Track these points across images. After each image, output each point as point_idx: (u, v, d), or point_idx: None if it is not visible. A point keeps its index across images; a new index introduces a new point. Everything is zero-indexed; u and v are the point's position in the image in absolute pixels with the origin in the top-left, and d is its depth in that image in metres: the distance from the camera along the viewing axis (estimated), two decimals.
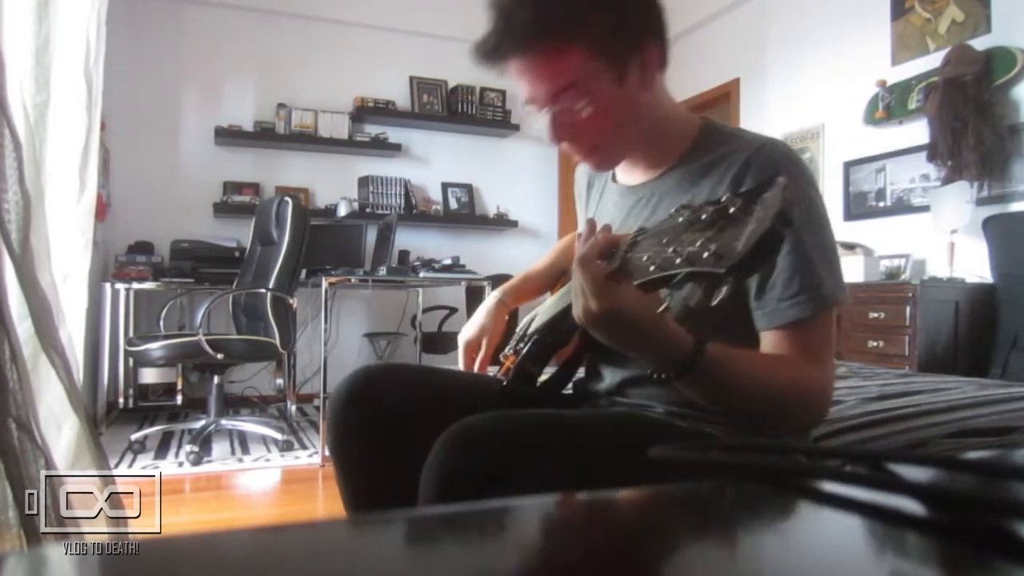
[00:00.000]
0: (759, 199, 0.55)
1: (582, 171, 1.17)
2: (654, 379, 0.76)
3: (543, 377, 1.06)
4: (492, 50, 0.87)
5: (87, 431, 1.34)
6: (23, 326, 1.20)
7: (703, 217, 0.58)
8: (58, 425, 1.29)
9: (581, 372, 1.10)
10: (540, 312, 1.14)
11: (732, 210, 0.56)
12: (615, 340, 0.76)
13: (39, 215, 1.28)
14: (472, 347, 1.17)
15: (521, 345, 1.08)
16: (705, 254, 0.56)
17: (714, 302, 0.57)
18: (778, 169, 0.84)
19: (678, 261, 0.59)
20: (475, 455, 0.78)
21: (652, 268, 0.63)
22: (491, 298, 1.22)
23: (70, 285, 1.53)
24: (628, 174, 1.03)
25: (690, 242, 0.58)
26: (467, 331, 1.19)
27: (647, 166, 0.98)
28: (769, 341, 0.85)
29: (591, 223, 0.81)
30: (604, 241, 0.74)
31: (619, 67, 0.86)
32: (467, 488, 0.75)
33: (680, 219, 0.61)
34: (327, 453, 1.09)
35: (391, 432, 0.99)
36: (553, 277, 1.27)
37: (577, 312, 0.75)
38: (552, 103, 0.88)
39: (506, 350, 1.15)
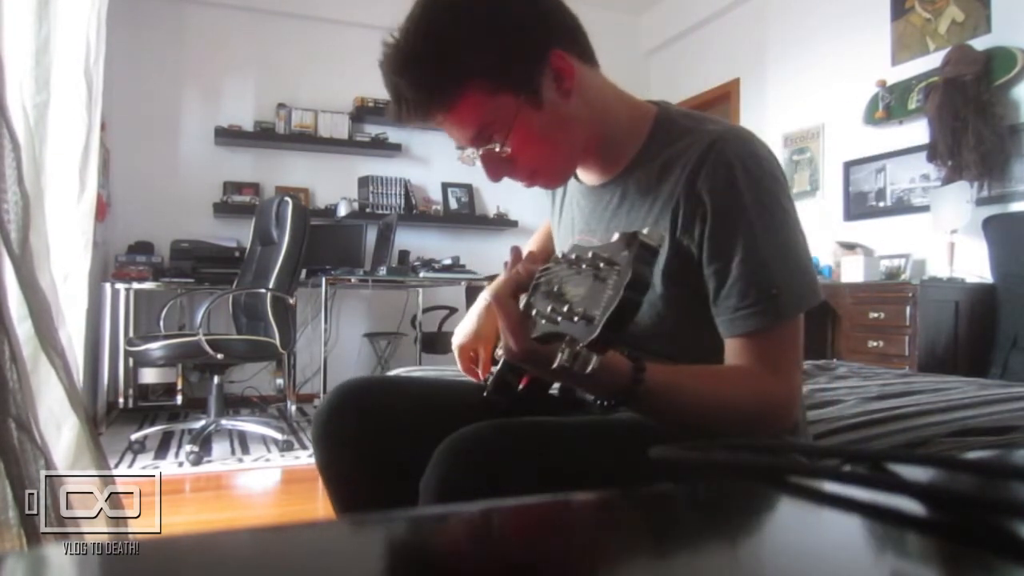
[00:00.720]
0: (619, 256, 0.56)
1: None
2: (598, 405, 0.74)
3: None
4: (399, 119, 0.85)
5: (87, 431, 1.34)
6: (23, 326, 1.20)
7: (583, 268, 0.60)
8: (58, 425, 1.29)
9: None
10: None
11: (601, 265, 0.57)
12: (544, 376, 0.75)
13: (39, 215, 1.28)
14: (468, 354, 1.13)
15: (501, 351, 1.07)
16: (575, 318, 0.57)
17: (588, 371, 0.57)
18: (730, 169, 0.79)
19: (558, 319, 0.60)
20: (475, 465, 0.77)
21: (543, 322, 0.64)
22: (480, 299, 1.18)
23: (70, 285, 1.53)
24: (587, 174, 0.99)
25: (568, 299, 0.60)
26: (460, 334, 1.15)
27: (601, 167, 0.94)
28: (729, 348, 0.82)
29: (515, 251, 0.78)
30: (525, 273, 0.72)
31: (528, 91, 0.82)
32: (468, 498, 0.74)
33: (566, 266, 0.63)
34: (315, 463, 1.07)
35: (378, 445, 0.99)
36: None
37: (503, 349, 0.73)
38: (477, 145, 0.86)
39: (496, 351, 1.13)
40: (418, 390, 1.10)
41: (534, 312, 0.66)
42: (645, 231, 0.56)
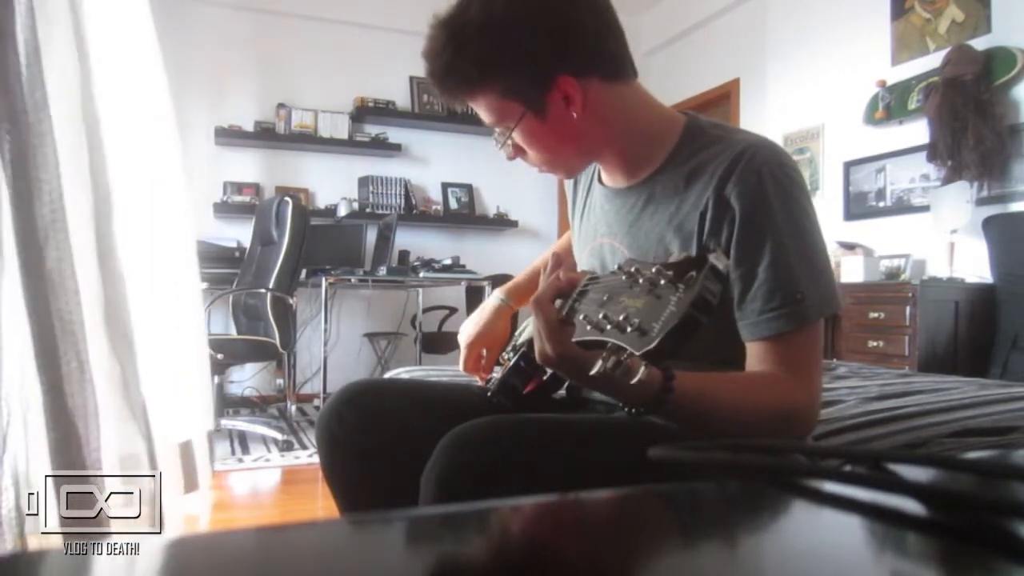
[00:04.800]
0: (685, 277, 0.56)
1: None
2: (626, 412, 0.75)
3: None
4: (440, 95, 0.93)
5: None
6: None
7: (640, 281, 0.60)
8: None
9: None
10: (530, 320, 1.13)
11: (663, 282, 0.57)
12: (575, 381, 0.77)
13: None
14: (475, 352, 1.15)
15: (511, 354, 1.07)
16: (629, 328, 0.57)
17: (633, 381, 0.58)
18: (759, 177, 0.81)
19: (608, 327, 0.60)
20: (475, 459, 0.78)
21: (588, 328, 0.64)
22: (493, 298, 1.19)
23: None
24: (611, 177, 1.00)
25: (622, 309, 0.60)
26: (468, 331, 1.17)
27: (627, 171, 0.96)
28: (751, 352, 0.84)
29: (555, 258, 0.80)
30: (565, 281, 0.73)
31: (533, 104, 0.88)
32: (467, 492, 0.75)
33: (623, 277, 0.63)
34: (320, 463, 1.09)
35: (380, 446, 1.00)
36: None
37: (536, 352, 0.74)
38: (495, 128, 0.94)
39: (503, 355, 1.14)
40: (420, 392, 1.11)
41: (581, 317, 0.66)
42: (714, 256, 0.56)
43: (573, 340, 0.67)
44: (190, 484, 1.65)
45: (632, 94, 0.93)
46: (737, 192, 0.82)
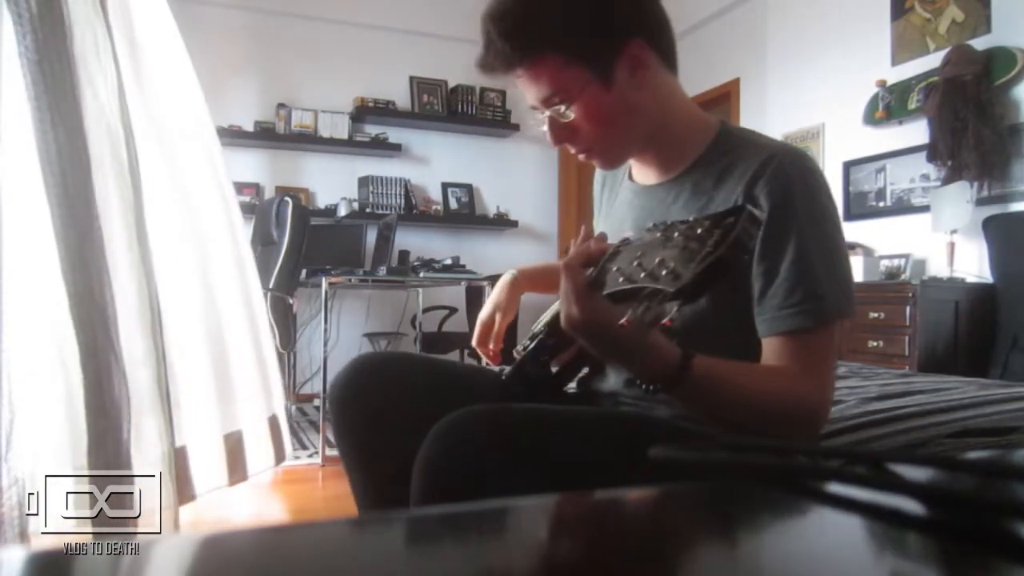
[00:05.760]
0: (722, 223, 0.57)
1: (597, 171, 1.17)
2: (642, 389, 0.77)
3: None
4: (484, 65, 0.91)
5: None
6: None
7: (675, 235, 0.61)
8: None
9: (586, 369, 1.10)
10: (548, 311, 1.14)
11: (699, 231, 0.58)
12: (597, 349, 0.77)
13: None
14: (486, 324, 1.17)
15: (528, 343, 1.08)
16: (664, 272, 0.58)
17: (665, 320, 0.58)
18: (788, 178, 0.83)
19: (642, 275, 0.61)
20: (465, 449, 0.78)
21: (620, 280, 0.65)
22: (507, 275, 1.21)
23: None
24: (643, 173, 1.02)
25: (657, 258, 0.61)
26: (483, 311, 1.20)
27: (661, 166, 0.98)
28: (768, 348, 0.85)
29: (586, 229, 0.81)
30: (595, 248, 0.75)
31: (600, 69, 0.86)
32: (455, 481, 0.76)
33: (657, 235, 0.64)
34: (331, 439, 1.10)
35: (392, 423, 1.00)
36: None
37: (562, 318, 0.76)
38: (545, 108, 0.91)
39: (518, 347, 1.15)
40: (434, 367, 1.12)
41: (614, 269, 0.67)
42: (750, 207, 0.58)
43: (604, 293, 0.68)
44: (238, 475, 1.67)
45: (676, 86, 0.96)
46: (767, 192, 0.84)
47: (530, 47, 0.86)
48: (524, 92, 0.92)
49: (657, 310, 0.58)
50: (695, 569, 0.30)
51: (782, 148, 0.88)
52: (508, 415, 0.84)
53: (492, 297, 1.19)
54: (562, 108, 0.89)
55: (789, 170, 0.84)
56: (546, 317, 1.11)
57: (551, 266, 1.27)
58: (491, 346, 1.16)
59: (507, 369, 1.09)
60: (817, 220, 0.84)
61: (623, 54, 0.87)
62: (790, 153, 0.87)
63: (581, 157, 0.98)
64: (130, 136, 1.36)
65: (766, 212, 0.83)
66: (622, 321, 0.62)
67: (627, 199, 1.05)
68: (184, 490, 1.51)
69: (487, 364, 1.19)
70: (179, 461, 1.50)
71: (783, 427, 0.81)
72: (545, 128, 0.94)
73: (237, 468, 1.67)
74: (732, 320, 0.87)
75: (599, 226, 1.13)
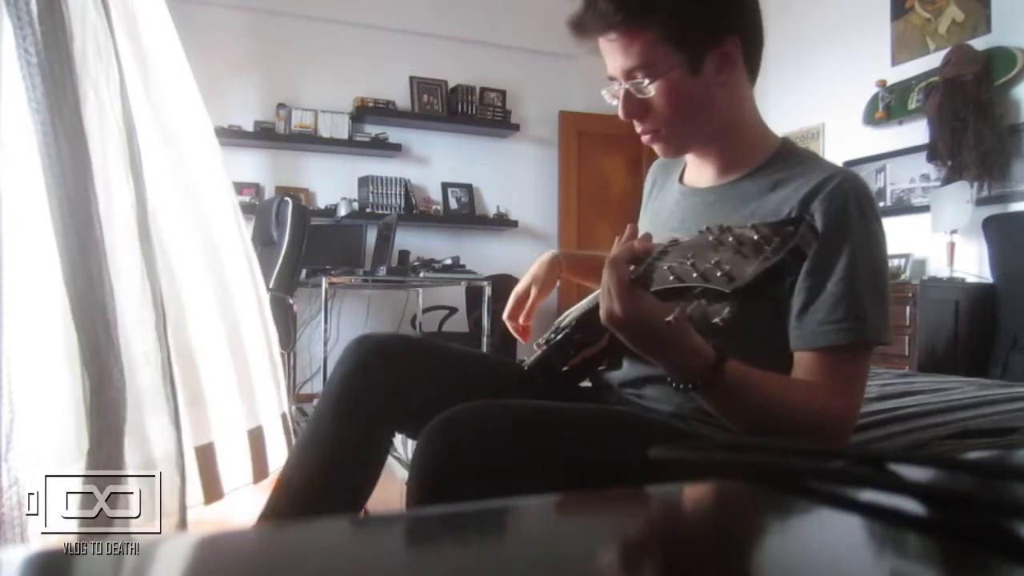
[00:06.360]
0: (781, 231, 0.58)
1: (651, 171, 1.18)
2: (673, 387, 0.78)
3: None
4: (579, 25, 0.90)
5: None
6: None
7: (729, 239, 0.61)
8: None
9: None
10: (576, 307, 1.14)
11: (755, 237, 0.59)
12: (637, 345, 0.77)
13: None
14: (520, 297, 1.16)
15: (552, 336, 1.09)
16: (718, 273, 0.59)
17: (716, 320, 0.59)
18: (846, 199, 0.84)
19: (694, 275, 0.62)
20: (460, 445, 0.78)
21: (671, 278, 0.65)
22: (547, 253, 1.22)
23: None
24: (697, 175, 1.03)
25: (710, 260, 0.61)
26: (519, 284, 1.19)
27: (717, 169, 0.98)
28: (801, 362, 0.85)
29: (632, 228, 0.81)
30: (640, 247, 0.75)
31: (692, 55, 0.87)
32: (450, 477, 0.76)
33: (709, 238, 0.64)
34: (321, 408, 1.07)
35: (401, 409, 1.01)
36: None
37: (603, 312, 0.76)
38: (625, 80, 0.91)
39: (540, 339, 1.15)
40: (444, 354, 1.12)
41: (664, 267, 0.68)
42: (810, 217, 0.59)
43: (653, 289, 0.69)
44: (260, 472, 1.67)
45: (751, 95, 0.97)
46: (823, 208, 0.84)
47: (636, 14, 0.86)
48: (607, 59, 0.92)
49: (706, 309, 0.59)
50: (695, 569, 0.30)
51: (843, 171, 0.89)
52: (504, 412, 0.84)
53: (531, 271, 1.19)
54: (644, 82, 0.89)
55: (848, 190, 0.85)
56: (575, 312, 1.11)
57: (594, 255, 1.26)
58: (521, 320, 1.15)
59: (527, 360, 1.10)
60: (870, 244, 0.85)
61: (718, 48, 0.88)
62: (850, 177, 0.88)
63: (645, 139, 0.97)
64: (133, 136, 1.36)
65: (820, 228, 0.84)
66: (668, 318, 0.63)
67: (675, 199, 1.05)
68: (213, 488, 1.51)
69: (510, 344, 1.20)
70: (207, 458, 1.51)
71: (807, 440, 0.81)
72: (615, 101, 0.94)
73: (260, 465, 1.67)
74: (766, 331, 0.87)
75: (642, 223, 1.13)
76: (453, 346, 1.16)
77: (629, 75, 0.90)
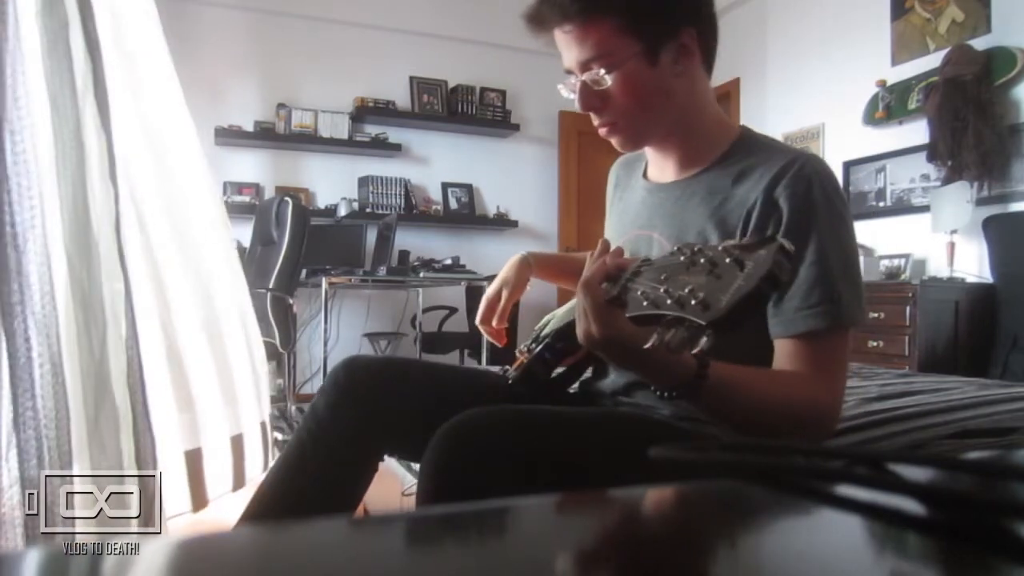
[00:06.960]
0: (753, 255, 0.56)
1: (613, 170, 1.17)
2: (658, 395, 0.78)
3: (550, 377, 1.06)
4: (535, 17, 0.90)
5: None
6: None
7: (701, 261, 0.60)
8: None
9: (588, 371, 1.10)
10: (556, 315, 1.14)
11: (728, 260, 0.58)
12: (616, 362, 0.78)
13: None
14: (492, 300, 1.16)
15: (533, 345, 1.08)
16: (693, 301, 0.58)
17: (694, 351, 0.58)
18: (809, 184, 0.84)
19: (668, 302, 0.61)
20: (470, 450, 0.79)
21: (645, 304, 0.65)
22: (517, 255, 1.21)
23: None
24: (660, 170, 1.02)
25: (683, 285, 0.60)
26: (489, 288, 1.19)
27: (680, 163, 0.98)
28: (782, 350, 0.86)
29: (604, 243, 0.81)
30: (612, 265, 0.75)
31: (649, 45, 0.87)
32: (461, 482, 0.76)
33: (681, 258, 0.63)
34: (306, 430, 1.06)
35: (386, 429, 1.01)
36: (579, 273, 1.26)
37: (579, 333, 0.76)
38: (582, 72, 0.91)
39: (520, 346, 1.15)
40: (430, 373, 1.12)
41: (638, 293, 0.67)
42: (781, 238, 0.57)
43: (628, 315, 0.68)
44: (240, 480, 1.67)
45: (708, 86, 0.97)
46: (787, 195, 0.85)
47: (592, 5, 0.86)
48: (564, 51, 0.91)
49: (684, 338, 0.58)
50: (695, 569, 0.30)
51: (804, 154, 0.90)
52: (512, 417, 0.85)
53: (501, 274, 1.18)
54: (601, 73, 0.89)
55: (810, 174, 0.85)
56: (554, 322, 1.11)
57: (564, 257, 1.27)
58: (495, 324, 1.15)
59: (510, 369, 1.09)
60: (836, 225, 0.85)
61: (674, 40, 0.89)
62: (812, 160, 0.88)
63: (602, 131, 0.97)
64: (109, 138, 1.34)
65: (786, 214, 0.84)
66: (646, 347, 0.62)
67: (640, 197, 1.05)
68: (199, 495, 1.51)
69: (477, 365, 1.19)
70: (195, 464, 1.51)
71: (795, 430, 0.82)
72: (572, 95, 0.93)
73: (239, 473, 1.67)
74: (749, 324, 0.87)
75: (609, 224, 1.13)
76: (439, 364, 1.17)
77: (586, 67, 0.90)
